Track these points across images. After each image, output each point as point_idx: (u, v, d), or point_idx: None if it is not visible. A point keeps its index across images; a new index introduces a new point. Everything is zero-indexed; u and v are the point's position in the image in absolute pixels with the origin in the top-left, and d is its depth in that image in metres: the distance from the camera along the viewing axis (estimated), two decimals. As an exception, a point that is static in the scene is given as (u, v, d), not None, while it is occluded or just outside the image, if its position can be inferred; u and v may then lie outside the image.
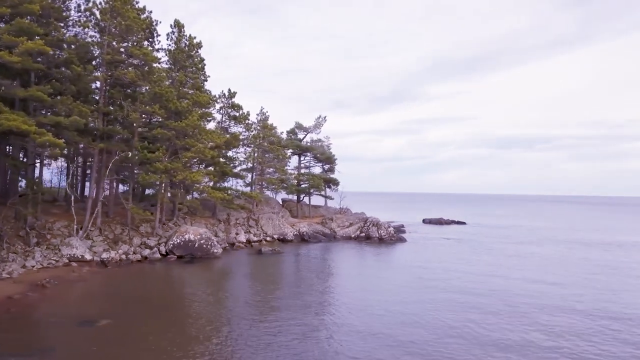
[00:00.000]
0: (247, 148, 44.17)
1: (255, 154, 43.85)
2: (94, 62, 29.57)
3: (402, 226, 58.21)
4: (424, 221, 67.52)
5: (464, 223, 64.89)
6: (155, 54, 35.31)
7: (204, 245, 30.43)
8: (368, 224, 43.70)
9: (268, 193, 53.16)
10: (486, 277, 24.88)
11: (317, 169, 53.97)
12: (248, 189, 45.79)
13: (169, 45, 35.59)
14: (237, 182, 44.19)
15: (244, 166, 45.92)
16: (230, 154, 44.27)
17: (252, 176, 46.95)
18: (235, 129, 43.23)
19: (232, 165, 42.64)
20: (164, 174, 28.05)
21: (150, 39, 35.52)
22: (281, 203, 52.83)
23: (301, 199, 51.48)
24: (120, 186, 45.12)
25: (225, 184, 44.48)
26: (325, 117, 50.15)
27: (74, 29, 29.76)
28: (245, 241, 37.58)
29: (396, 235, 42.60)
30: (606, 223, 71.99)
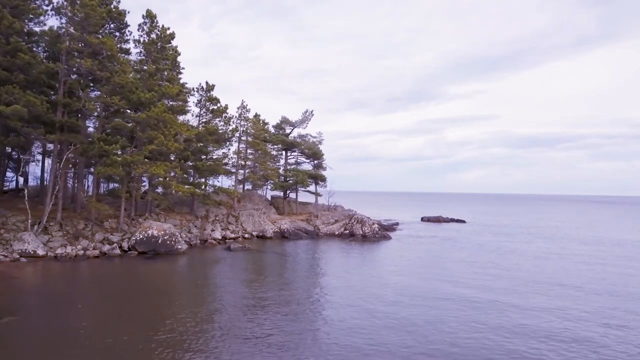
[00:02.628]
0: (228, 143, 42.89)
1: (233, 149, 42.62)
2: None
3: (397, 224, 56.58)
4: (422, 219, 65.43)
5: (463, 221, 62.58)
6: (125, 45, 34.70)
7: (168, 241, 29.36)
8: (352, 221, 42.10)
9: (258, 189, 52.08)
10: (431, 285, 21.55)
11: (308, 166, 52.62)
12: (238, 185, 44.85)
13: (141, 36, 34.71)
14: (216, 178, 43.02)
15: (228, 162, 44.87)
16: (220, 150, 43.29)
17: (242, 172, 45.98)
18: (218, 124, 42.18)
19: (210, 159, 41.52)
20: (121, 167, 27.00)
21: (123, 30, 34.72)
22: (270, 200, 51.62)
23: (287, 195, 50.02)
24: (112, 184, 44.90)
25: (215, 180, 43.53)
26: (312, 112, 48.61)
27: (35, 18, 28.93)
28: (220, 238, 36.41)
29: (381, 233, 40.84)
30: (617, 222, 68.65)
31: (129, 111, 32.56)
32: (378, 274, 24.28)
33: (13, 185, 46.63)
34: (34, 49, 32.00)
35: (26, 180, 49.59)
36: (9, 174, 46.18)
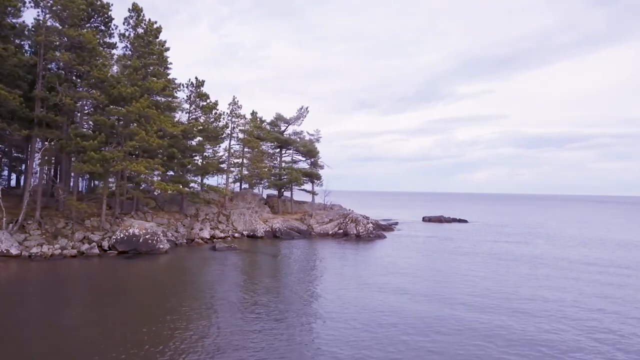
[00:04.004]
0: (220, 140, 41.81)
1: (224, 146, 41.52)
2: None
3: (396, 223, 55.31)
4: (423, 219, 63.96)
5: (465, 221, 61.04)
6: (111, 39, 33.83)
7: (149, 241, 28.36)
8: (347, 220, 40.87)
9: (254, 188, 51.01)
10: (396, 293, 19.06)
11: (305, 165, 51.39)
12: (235, 183, 43.86)
13: (127, 30, 33.81)
14: (211, 176, 41.97)
15: (221, 159, 43.83)
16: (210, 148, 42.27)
17: (235, 171, 44.95)
18: (209, 121, 41.17)
19: (205, 157, 40.51)
20: (99, 164, 26.03)
21: (108, 24, 33.86)
22: (265, 198, 50.53)
23: (282, 194, 48.85)
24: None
25: (208, 178, 42.49)
26: (307, 108, 47.35)
27: (16, 12, 28.07)
28: (208, 237, 35.35)
29: (375, 233, 39.57)
30: (619, 223, 66.67)
31: (118, 107, 31.74)
32: (338, 280, 22.31)
33: (13, 184, 46.12)
34: (22, 43, 31.23)
35: (19, 179, 49.10)
36: (5, 173, 45.75)
